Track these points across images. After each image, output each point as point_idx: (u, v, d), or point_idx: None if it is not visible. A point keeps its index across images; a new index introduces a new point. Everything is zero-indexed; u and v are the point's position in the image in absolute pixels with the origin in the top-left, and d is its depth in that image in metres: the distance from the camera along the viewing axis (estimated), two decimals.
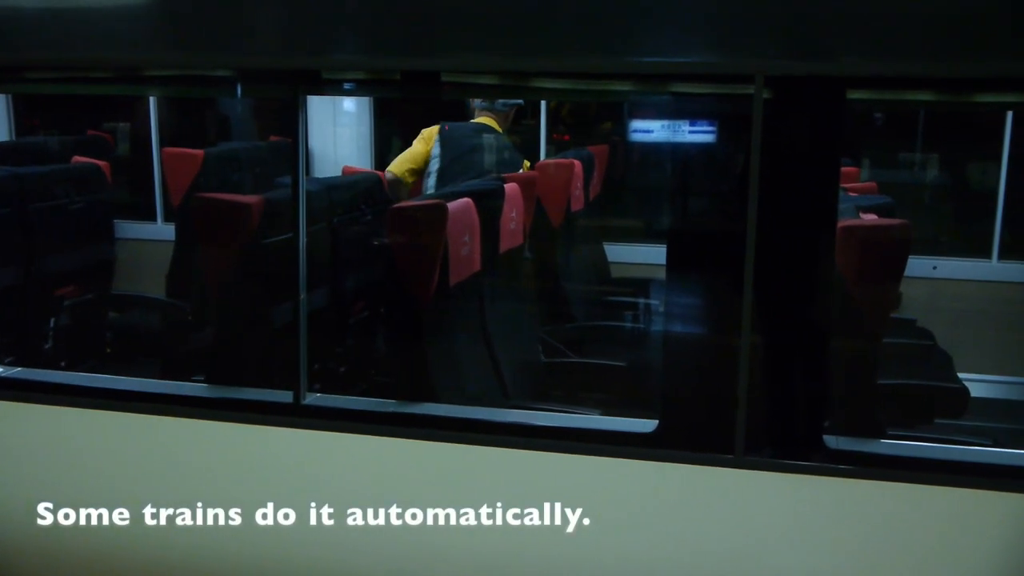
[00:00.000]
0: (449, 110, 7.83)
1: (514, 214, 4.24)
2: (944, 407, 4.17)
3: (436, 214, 3.49)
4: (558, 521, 2.92)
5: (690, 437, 2.82)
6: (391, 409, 3.08)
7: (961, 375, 4.32)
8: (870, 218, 3.64)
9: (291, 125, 3.05)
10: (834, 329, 2.88)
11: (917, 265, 5.53)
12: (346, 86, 3.53)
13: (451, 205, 3.58)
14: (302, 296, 3.09)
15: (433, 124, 5.34)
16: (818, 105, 2.67)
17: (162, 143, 7.31)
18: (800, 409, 2.79)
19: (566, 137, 7.97)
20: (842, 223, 3.11)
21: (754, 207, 2.67)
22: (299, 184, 3.05)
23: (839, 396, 3.14)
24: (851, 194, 4.61)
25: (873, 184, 5.49)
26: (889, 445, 2.84)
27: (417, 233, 3.52)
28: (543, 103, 6.36)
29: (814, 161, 2.70)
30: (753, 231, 2.67)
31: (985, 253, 5.91)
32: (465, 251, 3.67)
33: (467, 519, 2.98)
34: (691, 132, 2.82)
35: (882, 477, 2.73)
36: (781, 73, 2.64)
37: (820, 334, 2.78)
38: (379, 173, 4.85)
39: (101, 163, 5.39)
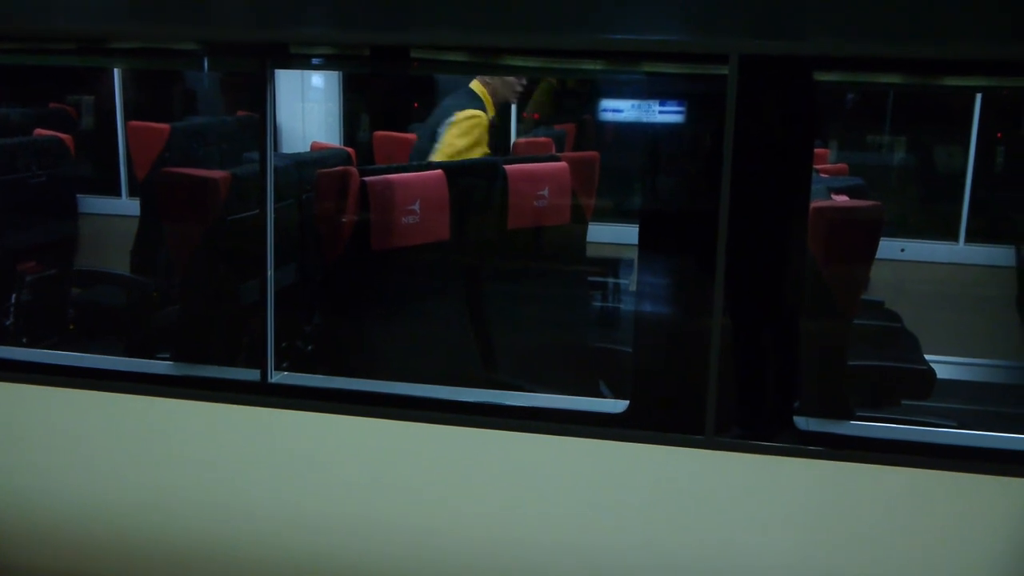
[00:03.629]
0: (421, 86, 7.79)
1: (545, 192, 4.17)
2: (911, 388, 4.20)
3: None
4: (528, 501, 2.92)
5: (660, 418, 2.82)
6: (358, 387, 3.05)
7: (928, 357, 4.35)
8: (842, 199, 3.64)
9: (259, 99, 3.00)
10: (805, 311, 2.88)
11: (885, 247, 5.56)
12: (315, 60, 3.47)
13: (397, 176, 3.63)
14: (269, 273, 3.05)
15: (403, 99, 5.26)
16: (792, 85, 2.65)
17: (128, 117, 7.19)
18: (770, 390, 2.79)
19: (535, 116, 7.93)
20: (814, 204, 3.11)
21: (726, 188, 2.65)
22: (267, 159, 3.00)
23: (809, 377, 3.14)
24: (823, 175, 4.62)
25: (844, 166, 5.50)
26: (858, 427, 2.85)
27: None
28: None
29: (787, 142, 2.69)
30: (725, 212, 2.66)
31: (952, 236, 5.96)
32: (409, 219, 3.65)
33: (437, 498, 2.97)
34: (662, 112, 2.80)
35: (851, 458, 2.74)
36: (756, 52, 2.63)
37: (790, 315, 2.78)
38: (348, 149, 4.78)
39: (64, 136, 5.28)
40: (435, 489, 2.97)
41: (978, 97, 5.74)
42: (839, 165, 5.52)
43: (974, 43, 2.53)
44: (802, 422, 2.77)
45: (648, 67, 2.80)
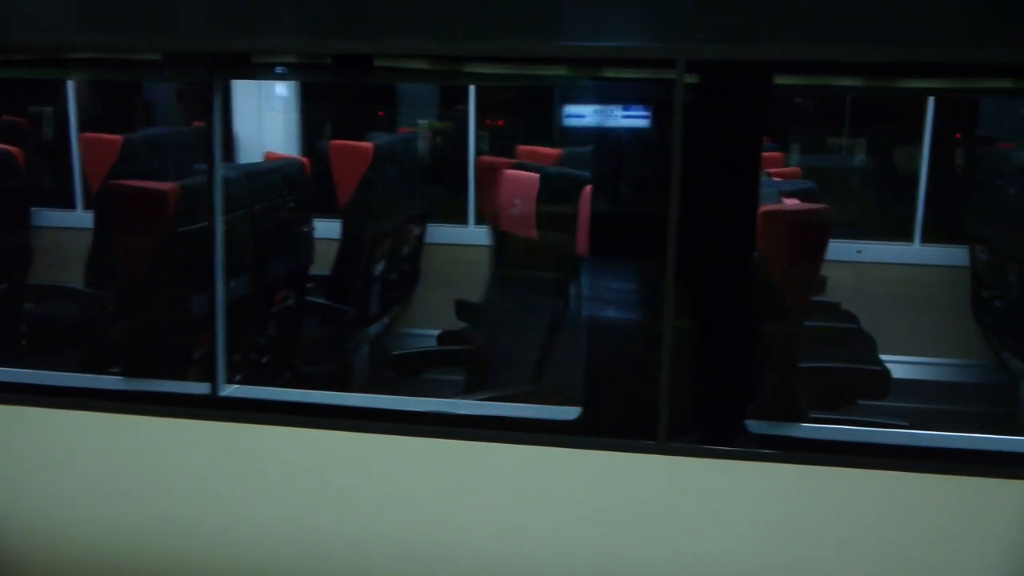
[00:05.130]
0: (383, 94, 7.75)
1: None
2: (866, 389, 4.23)
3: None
4: (481, 509, 2.90)
5: (613, 424, 2.81)
6: (309, 400, 3.03)
7: (884, 357, 4.38)
8: (792, 203, 3.66)
9: (206, 110, 2.97)
10: (756, 314, 2.89)
11: (842, 249, 5.60)
12: (265, 70, 3.45)
13: None
14: (218, 285, 3.01)
15: (362, 108, 5.21)
16: (740, 90, 2.66)
17: (83, 128, 7.10)
18: (722, 394, 2.80)
19: (500, 122, 7.90)
20: (763, 208, 3.12)
21: (676, 192, 2.66)
22: (215, 171, 2.97)
23: (762, 381, 3.15)
24: (775, 179, 4.64)
25: (797, 169, 5.53)
26: (809, 429, 2.86)
27: None
28: (471, 88, 6.29)
29: (734, 145, 2.70)
30: (675, 217, 2.67)
31: (908, 237, 5.99)
32: None
33: (389, 508, 2.95)
34: (612, 117, 2.80)
35: (802, 460, 2.75)
36: (703, 58, 2.63)
37: (741, 319, 2.78)
38: (303, 159, 4.75)
39: (12, 149, 5.21)
40: (387, 498, 2.95)
41: (931, 100, 5.79)
42: (792, 169, 5.56)
43: (919, 47, 2.56)
44: (754, 425, 2.78)
45: (600, 72, 2.80)
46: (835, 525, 2.77)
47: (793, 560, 2.79)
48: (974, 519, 2.73)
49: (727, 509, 2.80)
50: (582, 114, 3.22)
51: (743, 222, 2.72)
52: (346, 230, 4.96)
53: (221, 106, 3.00)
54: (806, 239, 3.33)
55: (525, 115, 7.95)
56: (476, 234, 6.00)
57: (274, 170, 4.27)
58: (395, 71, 3.48)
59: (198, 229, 3.39)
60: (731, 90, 2.67)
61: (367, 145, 4.96)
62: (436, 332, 4.98)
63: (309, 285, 4.90)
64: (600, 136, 2.82)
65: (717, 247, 2.73)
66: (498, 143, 7.80)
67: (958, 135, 6.57)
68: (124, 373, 3.44)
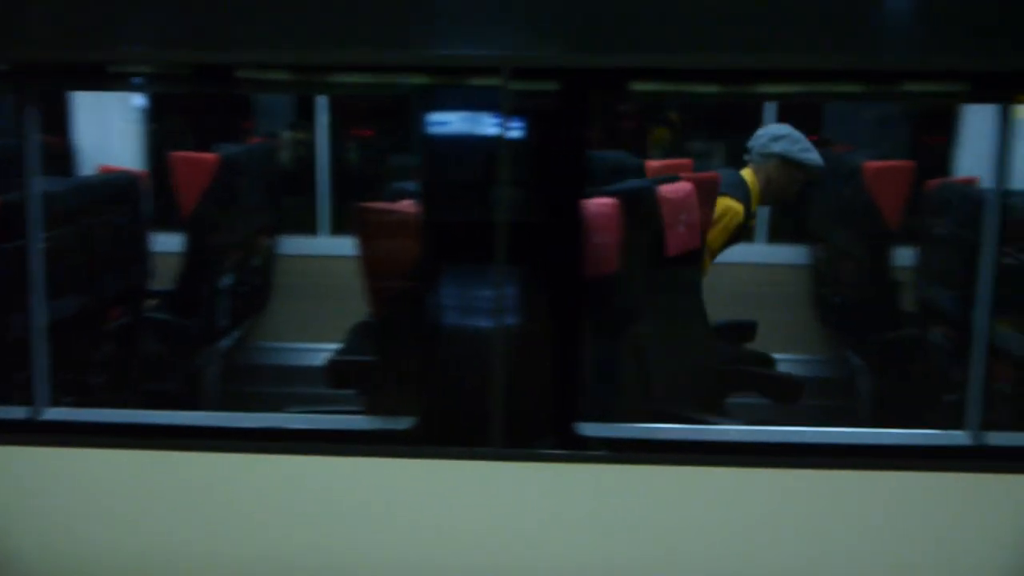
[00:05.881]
0: (237, 106, 7.58)
1: None
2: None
3: None
4: (316, 523, 2.86)
5: (447, 432, 2.81)
6: (134, 420, 2.93)
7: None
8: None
9: (16, 123, 2.85)
10: (586, 316, 2.92)
11: None
12: (83, 81, 3.32)
13: None
14: (36, 303, 2.90)
15: (212, 119, 5.07)
16: (566, 97, 2.69)
17: None
18: (552, 398, 2.82)
19: (367, 132, 7.83)
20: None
21: (504, 198, 2.67)
22: (30, 186, 2.87)
23: (594, 382, 3.19)
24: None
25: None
26: (641, 429, 2.91)
27: None
28: (322, 98, 6.20)
29: (559, 151, 2.73)
30: (503, 222, 2.68)
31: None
32: None
33: (220, 528, 2.88)
34: (439, 125, 2.80)
35: (631, 461, 2.79)
36: (527, 65, 2.66)
37: (569, 322, 2.81)
38: (141, 172, 4.61)
39: None
40: (217, 518, 2.88)
41: (769, 105, 5.99)
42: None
43: (753, 54, 2.64)
44: (585, 428, 2.81)
45: (426, 79, 2.79)
46: (669, 523, 2.82)
47: (627, 561, 2.83)
48: (814, 511, 2.82)
49: (561, 512, 2.82)
50: (437, 122, 3.20)
51: (570, 228, 2.75)
52: (189, 243, 4.83)
53: (35, 119, 2.89)
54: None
55: (393, 124, 7.93)
56: (331, 244, 5.94)
57: (104, 184, 4.13)
58: (234, 80, 3.41)
59: (18, 246, 3.25)
60: (554, 97, 2.70)
61: (209, 156, 4.85)
62: (301, 345, 4.91)
63: (154, 301, 4.76)
64: (429, 144, 2.82)
65: (543, 252, 2.75)
66: (366, 154, 7.75)
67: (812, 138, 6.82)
68: None
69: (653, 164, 4.99)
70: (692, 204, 3.72)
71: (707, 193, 3.86)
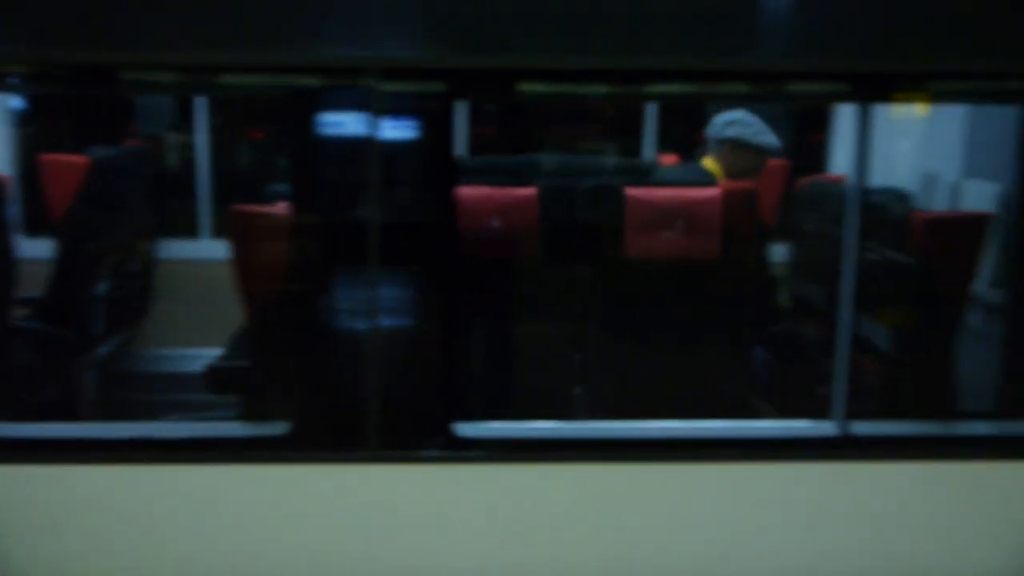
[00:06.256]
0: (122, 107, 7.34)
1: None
2: None
3: None
4: (188, 537, 2.80)
5: (323, 437, 2.78)
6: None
7: None
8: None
9: None
10: (458, 317, 2.93)
11: None
12: None
13: None
14: None
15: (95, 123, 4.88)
16: (437, 98, 2.69)
17: None
18: (428, 399, 2.81)
19: (259, 134, 7.69)
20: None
21: (376, 199, 2.66)
22: None
23: (473, 383, 3.20)
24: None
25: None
26: (519, 428, 2.92)
27: None
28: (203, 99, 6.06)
29: (430, 151, 2.72)
30: (376, 223, 2.66)
31: None
32: None
33: (89, 541, 2.79)
34: (310, 126, 2.77)
35: (513, 460, 2.81)
36: (398, 66, 2.64)
37: (444, 323, 2.81)
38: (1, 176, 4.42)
39: None
40: (98, 531, 2.80)
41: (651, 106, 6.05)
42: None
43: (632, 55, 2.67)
44: (463, 428, 2.81)
45: (297, 80, 2.76)
46: (548, 521, 2.84)
47: (507, 560, 2.84)
48: (690, 505, 2.87)
49: (440, 514, 2.82)
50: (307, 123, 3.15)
51: (443, 228, 2.75)
52: (61, 248, 4.66)
53: None
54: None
55: (277, 126, 7.79)
56: (213, 248, 5.78)
57: None
58: (111, 81, 3.31)
59: None
60: (423, 97, 2.69)
61: (79, 159, 4.69)
62: (183, 352, 4.77)
63: (25, 310, 4.58)
64: (298, 145, 2.79)
65: (418, 254, 2.74)
66: (249, 156, 7.60)
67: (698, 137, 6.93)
68: None
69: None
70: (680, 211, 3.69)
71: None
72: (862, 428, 2.89)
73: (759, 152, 4.30)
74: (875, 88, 2.76)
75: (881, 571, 2.94)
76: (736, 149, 4.28)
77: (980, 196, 4.36)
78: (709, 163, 4.36)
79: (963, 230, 3.55)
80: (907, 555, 2.94)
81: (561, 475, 2.82)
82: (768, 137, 4.29)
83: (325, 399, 2.80)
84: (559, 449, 2.83)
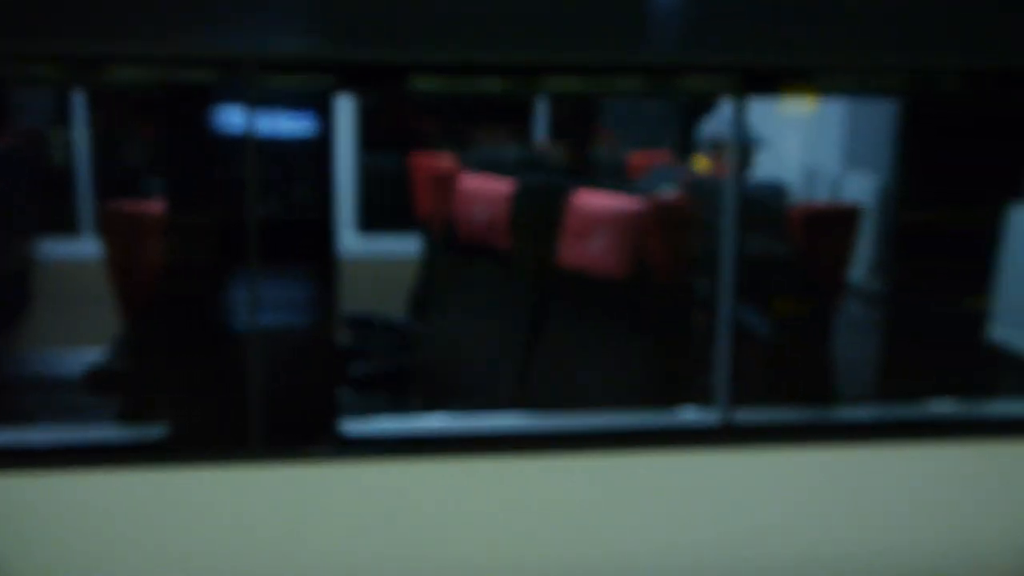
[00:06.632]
0: None
1: None
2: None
3: None
4: (62, 548, 2.70)
5: (201, 439, 2.71)
6: None
7: None
8: None
9: None
10: (335, 316, 2.88)
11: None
12: None
13: None
14: None
15: None
16: (313, 92, 2.64)
17: None
18: (312, 398, 2.76)
19: (149, 131, 7.46)
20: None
21: (253, 196, 2.60)
22: None
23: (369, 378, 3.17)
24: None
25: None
26: (407, 425, 2.89)
27: None
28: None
29: (309, 148, 2.68)
30: (255, 222, 2.61)
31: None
32: None
33: None
34: (183, 120, 2.69)
35: (398, 458, 2.78)
36: (274, 60, 2.59)
37: (324, 320, 2.77)
38: None
39: None
40: None
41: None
42: None
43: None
44: (348, 426, 2.77)
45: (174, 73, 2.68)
46: (434, 518, 2.82)
47: (396, 558, 2.82)
48: (578, 497, 2.88)
49: (326, 514, 2.78)
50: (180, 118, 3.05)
51: (323, 224, 2.71)
52: None
53: None
54: None
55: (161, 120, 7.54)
56: (94, 247, 5.61)
57: None
58: None
59: None
60: (302, 93, 2.64)
61: None
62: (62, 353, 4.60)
63: None
64: (170, 140, 2.71)
65: (295, 252, 2.70)
66: (142, 152, 7.38)
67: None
68: None
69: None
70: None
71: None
72: (744, 416, 2.94)
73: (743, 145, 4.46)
74: (760, 82, 2.81)
75: (765, 558, 3.00)
76: (721, 146, 4.41)
77: (859, 188, 4.49)
78: (703, 162, 4.53)
79: (834, 222, 3.67)
80: (788, 542, 3.00)
81: (449, 472, 2.80)
82: (752, 131, 4.51)
83: (203, 401, 2.72)
84: (446, 445, 2.81)
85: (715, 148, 4.41)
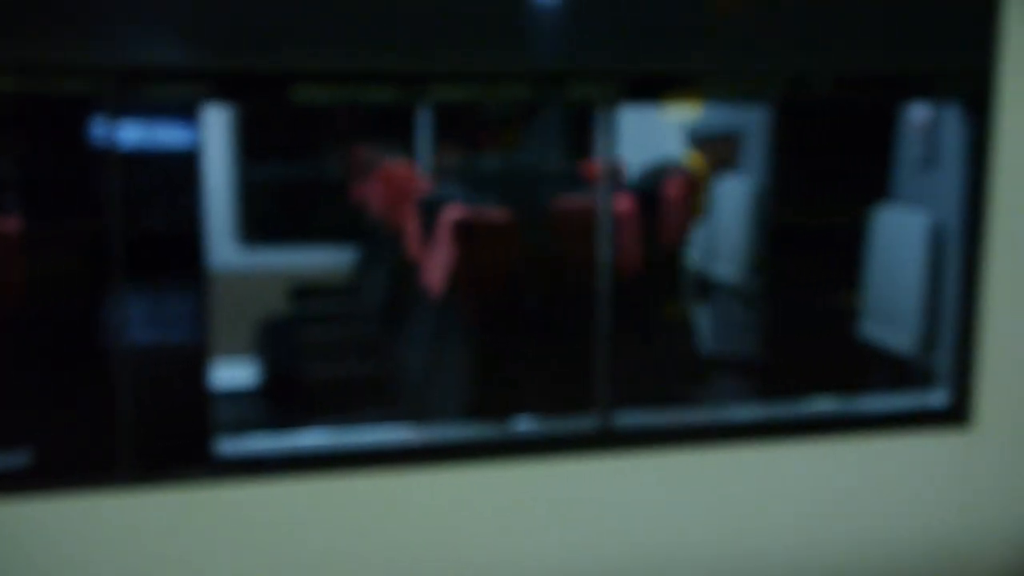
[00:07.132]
0: None
1: None
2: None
3: None
4: None
5: (65, 467, 2.59)
6: None
7: None
8: None
9: None
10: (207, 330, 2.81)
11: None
12: None
13: None
14: None
15: None
16: (180, 102, 2.57)
17: None
18: (183, 417, 2.67)
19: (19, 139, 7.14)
20: None
21: (117, 209, 2.52)
22: None
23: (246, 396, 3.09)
24: None
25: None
26: (285, 444, 2.82)
27: None
28: None
29: (175, 160, 2.60)
30: (118, 237, 2.52)
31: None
32: None
33: None
34: (32, 131, 2.58)
35: (276, 478, 2.71)
36: (142, 69, 2.51)
37: (196, 337, 2.69)
38: None
39: None
40: None
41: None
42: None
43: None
44: (224, 446, 2.69)
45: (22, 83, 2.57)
46: (315, 538, 2.77)
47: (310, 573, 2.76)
48: (462, 509, 2.86)
49: (198, 539, 2.69)
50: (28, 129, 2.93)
51: (190, 238, 2.63)
52: None
53: None
54: None
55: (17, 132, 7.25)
56: None
57: None
58: None
59: None
60: (168, 104, 2.57)
61: None
62: None
63: None
64: (16, 152, 2.61)
65: (164, 264, 2.62)
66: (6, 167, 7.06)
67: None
68: None
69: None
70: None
71: None
72: (623, 420, 2.95)
73: (727, 138, 4.86)
74: (643, 89, 2.85)
75: (645, 561, 3.02)
76: (721, 142, 4.83)
77: (734, 190, 4.58)
78: (695, 158, 4.81)
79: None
80: (668, 544, 3.03)
81: (330, 489, 2.75)
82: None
83: (70, 424, 2.61)
84: (323, 462, 2.76)
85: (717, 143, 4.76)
